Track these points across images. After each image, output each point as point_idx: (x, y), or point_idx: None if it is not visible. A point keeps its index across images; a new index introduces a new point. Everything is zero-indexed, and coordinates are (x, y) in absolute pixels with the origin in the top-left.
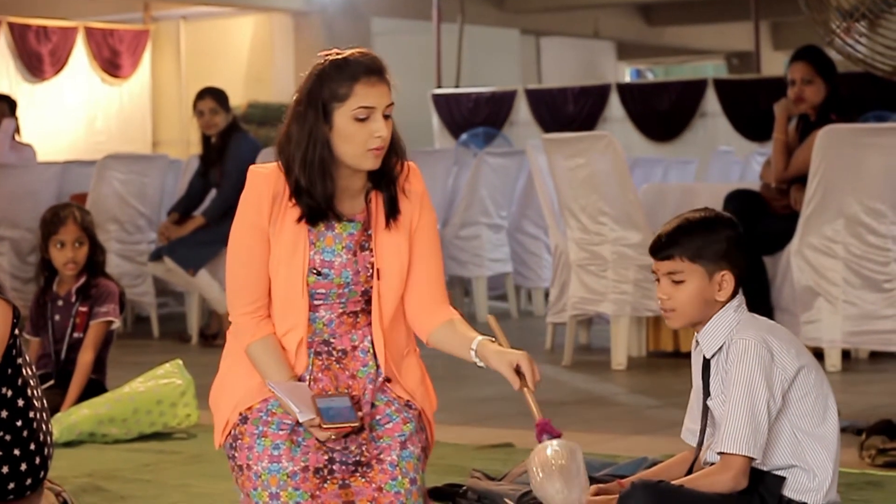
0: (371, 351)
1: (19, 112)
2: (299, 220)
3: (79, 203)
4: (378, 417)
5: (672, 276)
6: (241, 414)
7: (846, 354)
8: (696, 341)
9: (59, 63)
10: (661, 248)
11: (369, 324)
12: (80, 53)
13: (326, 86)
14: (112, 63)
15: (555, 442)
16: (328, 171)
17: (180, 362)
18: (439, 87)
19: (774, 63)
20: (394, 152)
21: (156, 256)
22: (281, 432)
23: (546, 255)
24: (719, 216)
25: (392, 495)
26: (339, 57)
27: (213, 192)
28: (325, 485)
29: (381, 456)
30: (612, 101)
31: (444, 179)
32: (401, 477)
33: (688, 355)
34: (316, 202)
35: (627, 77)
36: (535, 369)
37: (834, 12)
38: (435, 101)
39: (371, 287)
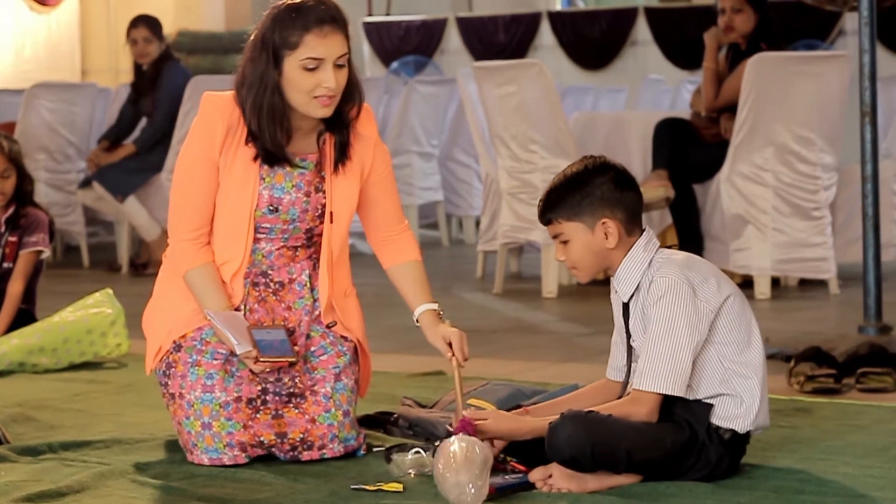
0: (308, 284)
1: None
2: (254, 159)
3: (6, 133)
4: (313, 349)
5: (559, 238)
6: (174, 342)
7: (776, 282)
8: (614, 288)
9: None
10: (541, 214)
11: (308, 257)
12: None
13: (279, 31)
14: None
15: (467, 438)
16: (279, 115)
17: (110, 291)
18: (370, 14)
19: None
20: (350, 97)
21: (85, 184)
22: (215, 362)
23: (477, 184)
24: (588, 167)
25: (325, 427)
26: (295, 2)
27: (143, 121)
28: (258, 415)
29: (315, 388)
30: (543, 29)
31: (375, 108)
32: (334, 409)
33: None
34: (267, 147)
35: (558, 5)
36: (466, 347)
37: None
38: (366, 28)
39: (315, 226)
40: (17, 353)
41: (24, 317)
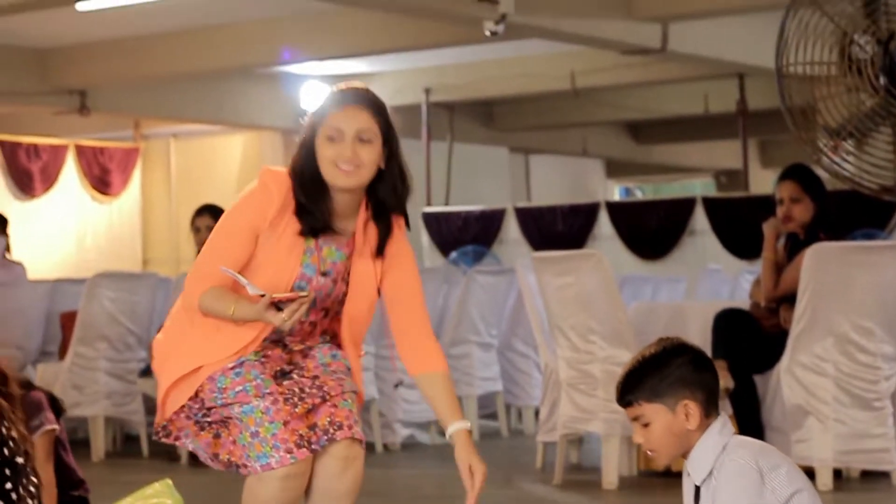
0: (326, 341)
1: (10, 229)
2: (300, 233)
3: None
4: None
5: (639, 421)
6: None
7: (837, 473)
8: (687, 471)
9: (50, 180)
10: (620, 397)
11: (322, 332)
12: (70, 171)
13: (319, 109)
14: (102, 181)
15: None
16: (318, 182)
17: (170, 482)
18: (429, 205)
19: (763, 180)
20: (388, 184)
21: (145, 373)
22: (239, 378)
23: (536, 374)
24: (666, 348)
25: (346, 410)
26: (340, 89)
27: None
28: (295, 410)
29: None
30: (602, 218)
31: (434, 298)
32: (350, 400)
33: (679, 475)
34: (314, 218)
35: (616, 195)
36: (479, 485)
37: (821, 131)
38: (425, 219)
39: (333, 308)
40: None
41: None
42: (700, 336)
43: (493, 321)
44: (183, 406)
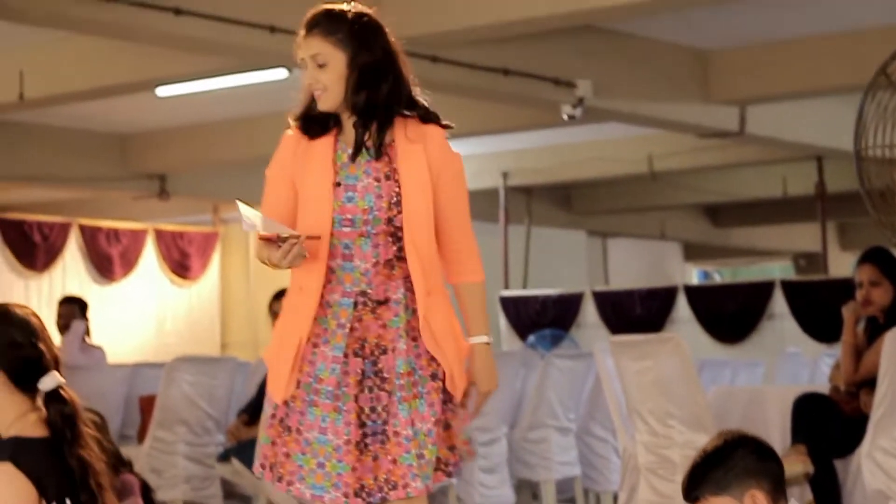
0: (403, 303)
1: (89, 313)
2: (311, 138)
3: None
4: (400, 383)
5: None
6: (296, 379)
7: None
8: None
9: (130, 265)
10: (687, 493)
11: (404, 277)
12: (149, 255)
13: None
14: (181, 265)
15: None
16: (310, 106)
17: None
18: (507, 288)
19: (842, 263)
20: (363, 86)
21: (224, 457)
22: (328, 402)
23: (615, 458)
24: (727, 440)
25: (405, 467)
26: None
27: None
28: (363, 457)
29: (398, 429)
30: (680, 302)
31: (512, 381)
32: (414, 451)
33: None
34: (314, 118)
35: (694, 278)
36: (478, 403)
37: None
38: (502, 302)
39: (394, 216)
40: None
41: None
42: (780, 420)
43: (572, 405)
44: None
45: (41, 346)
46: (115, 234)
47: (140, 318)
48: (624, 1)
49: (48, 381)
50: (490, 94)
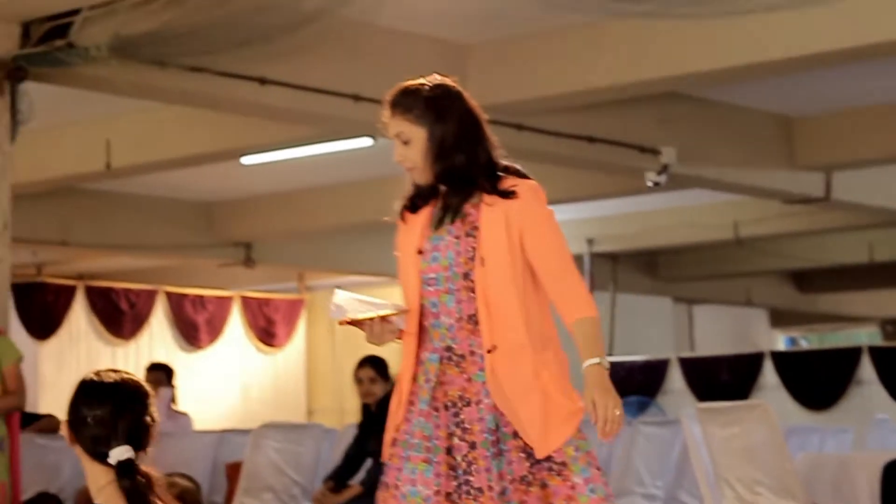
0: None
1: (176, 380)
2: (404, 210)
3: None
4: (488, 440)
5: None
6: (392, 437)
7: None
8: None
9: (215, 332)
10: None
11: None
12: (235, 322)
13: None
14: (267, 332)
15: None
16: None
17: None
18: None
19: None
20: (443, 158)
21: None
22: (419, 454)
23: None
24: None
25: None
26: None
27: (369, 462)
28: None
29: (492, 483)
30: (767, 368)
31: (598, 448)
32: None
33: None
34: (418, 193)
35: (781, 344)
36: (609, 414)
37: None
38: None
39: (470, 270)
40: None
41: None
42: (869, 487)
43: (659, 472)
44: None
45: (114, 418)
46: (201, 302)
47: (226, 385)
48: (708, 68)
49: (117, 454)
50: (575, 161)
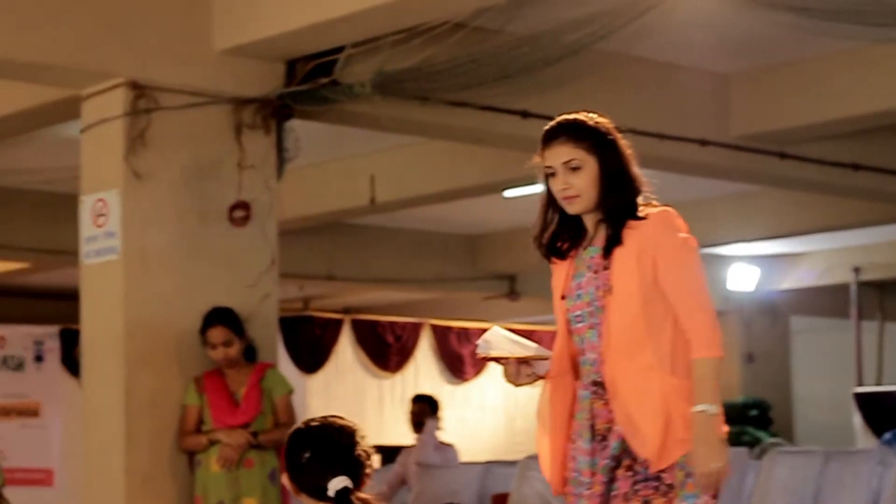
0: None
1: (441, 412)
2: (548, 257)
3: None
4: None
5: None
6: (562, 476)
7: None
8: None
9: (480, 365)
10: None
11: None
12: None
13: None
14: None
15: None
16: (549, 218)
17: None
18: (860, 385)
19: None
20: (613, 191)
21: None
22: (587, 492)
23: None
24: None
25: None
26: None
27: None
28: None
29: None
30: None
31: (868, 479)
32: None
33: None
34: (543, 244)
35: None
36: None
37: None
38: (857, 399)
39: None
40: None
41: None
42: None
43: None
44: None
45: (326, 455)
46: (465, 334)
47: (491, 418)
48: None
49: (334, 484)
50: (840, 189)
